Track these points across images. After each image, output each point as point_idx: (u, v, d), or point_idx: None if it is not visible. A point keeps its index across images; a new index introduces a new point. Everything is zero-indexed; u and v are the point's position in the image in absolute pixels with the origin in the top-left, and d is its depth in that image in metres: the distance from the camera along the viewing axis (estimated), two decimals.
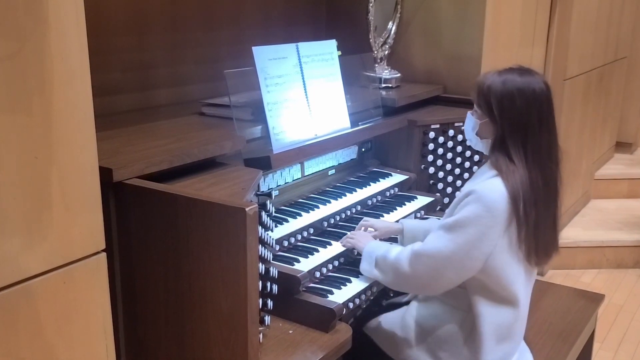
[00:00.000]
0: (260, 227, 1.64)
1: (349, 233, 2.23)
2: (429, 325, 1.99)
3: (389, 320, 2.10)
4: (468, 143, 2.04)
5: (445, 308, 1.99)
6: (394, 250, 1.98)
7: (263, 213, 1.71)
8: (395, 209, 2.58)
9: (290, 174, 2.41)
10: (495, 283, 1.86)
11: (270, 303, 1.77)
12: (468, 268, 1.84)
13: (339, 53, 2.56)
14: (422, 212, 2.66)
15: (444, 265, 1.84)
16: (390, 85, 3.03)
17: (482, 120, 1.91)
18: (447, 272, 1.85)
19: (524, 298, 1.93)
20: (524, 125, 1.82)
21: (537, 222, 1.83)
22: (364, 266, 2.06)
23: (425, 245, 1.89)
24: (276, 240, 2.07)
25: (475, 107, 1.93)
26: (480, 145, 1.96)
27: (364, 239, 2.14)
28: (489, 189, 1.81)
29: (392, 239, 2.30)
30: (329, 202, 2.43)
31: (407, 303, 2.14)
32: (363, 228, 2.28)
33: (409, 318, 2.04)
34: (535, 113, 1.82)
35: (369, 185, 2.66)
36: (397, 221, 2.35)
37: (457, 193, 1.96)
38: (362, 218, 2.39)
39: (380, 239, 2.27)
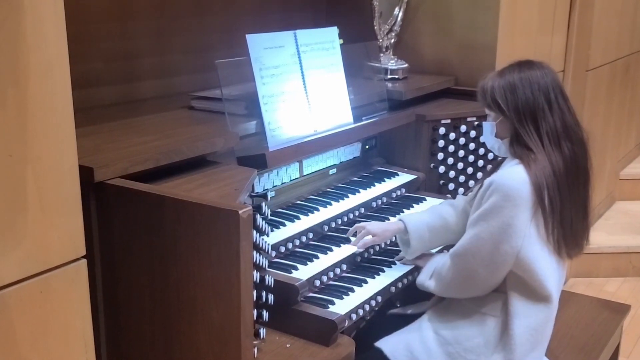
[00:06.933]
0: (254, 232, 1.65)
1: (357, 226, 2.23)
2: (451, 336, 2.02)
3: (405, 335, 2.10)
4: (492, 151, 2.14)
5: (468, 316, 2.02)
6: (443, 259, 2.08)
7: (258, 216, 1.71)
8: (402, 212, 2.57)
9: (287, 174, 2.41)
10: (531, 278, 1.93)
11: (265, 314, 1.77)
12: (499, 263, 1.91)
13: (341, 41, 2.56)
14: None
15: (474, 263, 1.93)
16: (396, 76, 3.03)
17: (497, 120, 2.02)
18: (479, 270, 1.93)
19: (557, 296, 1.99)
20: (531, 110, 1.93)
21: (562, 209, 1.90)
22: (421, 277, 2.12)
23: (457, 245, 2.01)
24: (272, 245, 2.07)
25: (486, 111, 2.06)
26: (504, 148, 2.05)
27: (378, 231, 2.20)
28: (507, 177, 1.90)
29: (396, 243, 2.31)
30: (330, 204, 2.43)
31: (419, 315, 2.15)
32: (358, 235, 2.23)
33: (426, 330, 2.05)
34: (542, 95, 1.93)
35: (374, 185, 2.66)
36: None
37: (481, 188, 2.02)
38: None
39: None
